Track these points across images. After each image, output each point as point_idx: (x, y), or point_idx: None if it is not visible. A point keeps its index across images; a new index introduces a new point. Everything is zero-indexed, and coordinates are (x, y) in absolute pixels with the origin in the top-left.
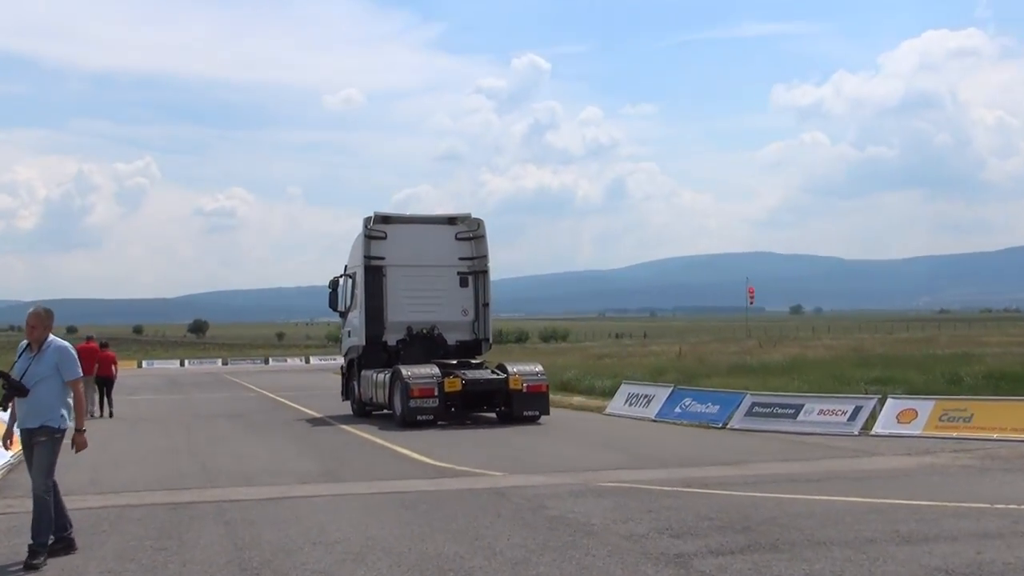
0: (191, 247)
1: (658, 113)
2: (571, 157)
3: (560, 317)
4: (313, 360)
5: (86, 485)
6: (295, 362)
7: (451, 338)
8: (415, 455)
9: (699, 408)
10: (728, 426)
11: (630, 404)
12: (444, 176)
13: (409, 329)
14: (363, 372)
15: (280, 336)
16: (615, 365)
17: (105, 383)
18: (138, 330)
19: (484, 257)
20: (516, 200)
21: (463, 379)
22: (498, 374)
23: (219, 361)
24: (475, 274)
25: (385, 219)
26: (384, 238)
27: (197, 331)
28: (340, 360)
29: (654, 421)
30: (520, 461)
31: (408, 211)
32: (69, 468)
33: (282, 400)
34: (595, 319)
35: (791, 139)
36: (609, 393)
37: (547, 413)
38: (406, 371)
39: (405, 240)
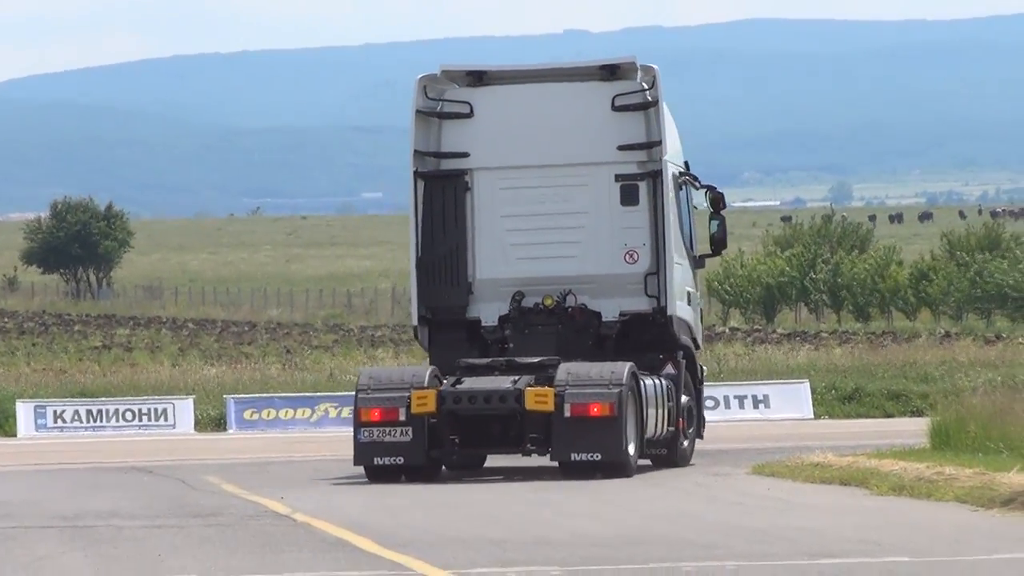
0: None
1: None
2: None
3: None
4: None
5: None
6: None
7: (609, 309)
8: None
9: None
10: None
11: None
12: None
13: (518, 297)
14: None
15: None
16: None
17: None
18: None
19: (660, 143)
20: None
21: (443, 393)
22: (515, 384)
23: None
24: (649, 177)
25: (472, 77)
26: (468, 116)
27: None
28: None
29: None
30: None
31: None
32: None
33: None
34: None
35: None
36: None
37: (616, 458)
38: (365, 377)
39: (510, 117)
